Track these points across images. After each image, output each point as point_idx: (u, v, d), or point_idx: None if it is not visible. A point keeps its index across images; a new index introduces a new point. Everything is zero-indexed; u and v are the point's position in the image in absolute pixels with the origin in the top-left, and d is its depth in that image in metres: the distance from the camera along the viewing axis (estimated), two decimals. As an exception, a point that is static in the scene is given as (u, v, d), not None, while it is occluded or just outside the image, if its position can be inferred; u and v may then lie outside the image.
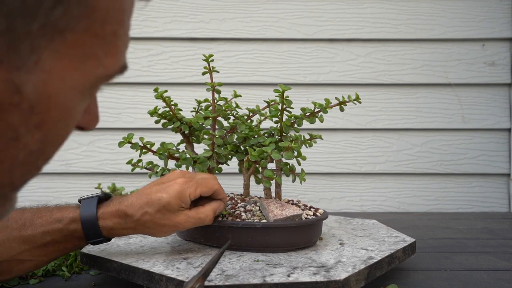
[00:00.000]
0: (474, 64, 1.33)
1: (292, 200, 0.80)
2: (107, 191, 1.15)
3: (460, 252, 0.88)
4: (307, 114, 0.77)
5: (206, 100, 0.79)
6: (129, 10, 0.39)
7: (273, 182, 0.76)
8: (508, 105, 1.33)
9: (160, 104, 0.79)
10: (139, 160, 0.79)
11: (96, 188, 1.16)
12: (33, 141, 0.33)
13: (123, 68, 0.38)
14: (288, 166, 0.75)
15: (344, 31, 1.32)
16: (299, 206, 0.77)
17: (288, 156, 0.70)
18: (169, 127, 0.79)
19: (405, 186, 1.34)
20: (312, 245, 0.74)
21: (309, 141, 0.79)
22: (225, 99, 0.81)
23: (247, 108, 0.81)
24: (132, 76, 1.31)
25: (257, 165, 0.74)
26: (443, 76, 1.33)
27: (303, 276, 0.59)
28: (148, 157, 0.80)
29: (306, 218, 0.72)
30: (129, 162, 0.79)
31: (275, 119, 0.76)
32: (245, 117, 0.80)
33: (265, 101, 0.80)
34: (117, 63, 0.36)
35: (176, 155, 0.76)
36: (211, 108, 0.79)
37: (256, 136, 0.77)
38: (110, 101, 1.31)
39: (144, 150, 0.77)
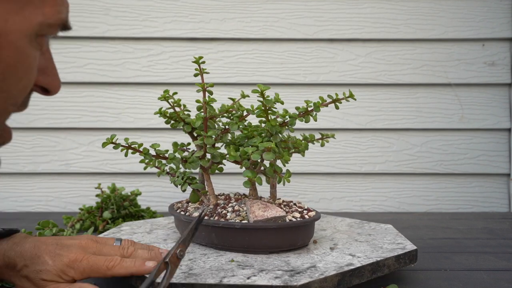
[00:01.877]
0: (474, 64, 1.33)
1: (292, 201, 0.80)
2: (107, 191, 1.15)
3: (460, 252, 0.88)
4: (300, 113, 0.76)
5: (197, 101, 0.80)
6: None
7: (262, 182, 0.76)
8: (508, 105, 1.33)
9: (165, 105, 0.80)
10: (151, 160, 0.79)
11: (96, 188, 1.16)
12: None
13: (65, 24, 0.45)
14: (272, 167, 0.74)
15: (344, 31, 1.32)
16: (290, 207, 0.76)
17: (268, 157, 0.69)
18: (179, 127, 0.81)
19: (405, 186, 1.34)
20: (300, 248, 0.73)
21: (320, 140, 0.79)
22: (233, 99, 0.81)
23: (239, 108, 0.81)
24: (132, 76, 1.31)
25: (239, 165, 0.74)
26: (443, 76, 1.33)
27: (262, 280, 0.58)
28: (138, 160, 0.80)
29: (290, 220, 0.71)
30: (142, 161, 0.79)
31: (259, 119, 0.76)
32: (237, 117, 0.80)
33: (229, 98, 0.80)
34: (57, 13, 0.43)
35: (164, 154, 0.78)
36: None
37: (250, 137, 0.78)
38: (110, 101, 1.31)
39: (131, 150, 0.77)
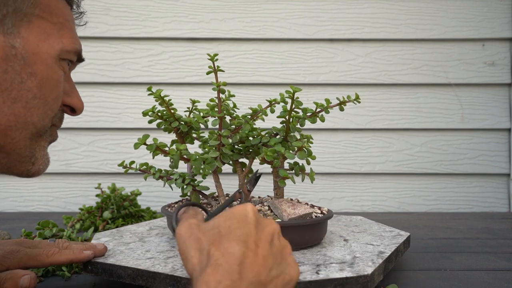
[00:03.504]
0: (474, 64, 1.33)
1: (297, 199, 0.80)
2: (107, 191, 1.15)
3: (460, 252, 0.88)
4: (309, 114, 0.77)
5: (212, 100, 0.79)
6: (69, 16, 0.60)
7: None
8: (508, 105, 1.33)
9: (152, 103, 0.78)
10: (132, 162, 0.78)
11: (96, 188, 1.16)
12: (34, 85, 0.54)
13: (79, 54, 0.62)
14: (298, 166, 0.76)
15: (344, 31, 1.32)
16: (303, 205, 0.77)
17: (301, 156, 0.71)
18: (162, 127, 0.79)
19: (405, 186, 1.34)
20: (318, 244, 0.74)
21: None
22: (232, 96, 0.81)
23: (250, 108, 0.81)
24: (132, 76, 1.31)
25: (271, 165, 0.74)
26: (443, 76, 1.33)
27: (332, 273, 0.59)
28: (142, 159, 0.80)
29: (315, 216, 0.73)
30: (121, 165, 0.78)
31: (281, 119, 0.76)
32: (249, 117, 0.79)
33: (267, 100, 0.80)
34: (72, 44, 0.58)
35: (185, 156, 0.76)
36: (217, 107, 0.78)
37: (256, 136, 0.77)
38: (110, 101, 1.31)
39: (156, 151, 0.76)
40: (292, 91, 0.72)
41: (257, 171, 0.69)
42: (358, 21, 1.32)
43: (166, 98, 0.78)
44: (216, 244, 0.44)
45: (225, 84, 0.77)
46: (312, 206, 0.77)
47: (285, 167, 0.77)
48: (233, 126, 0.78)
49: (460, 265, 0.80)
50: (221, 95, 0.77)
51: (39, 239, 0.69)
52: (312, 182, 0.75)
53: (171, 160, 0.76)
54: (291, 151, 0.72)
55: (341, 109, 0.78)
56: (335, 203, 1.34)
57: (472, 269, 0.78)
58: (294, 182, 0.73)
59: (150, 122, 0.79)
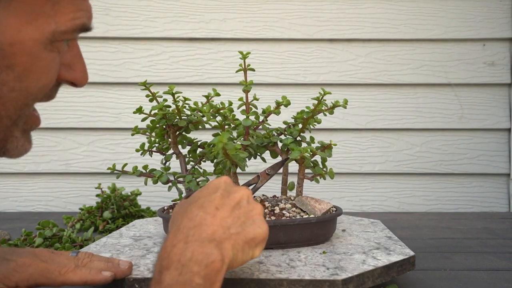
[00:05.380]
0: (474, 64, 1.33)
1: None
2: (107, 191, 1.15)
3: (460, 252, 0.88)
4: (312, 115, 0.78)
5: (240, 99, 0.79)
6: None
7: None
8: (508, 105, 1.33)
9: (146, 102, 0.79)
10: (125, 165, 0.78)
11: (96, 188, 1.16)
12: (11, 78, 0.45)
13: (83, 28, 0.50)
14: (318, 165, 0.78)
15: (344, 31, 1.32)
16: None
17: (329, 154, 0.74)
18: (157, 125, 0.80)
19: (405, 186, 1.34)
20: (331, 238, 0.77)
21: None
22: (255, 98, 0.81)
23: (262, 109, 0.81)
24: (132, 76, 1.31)
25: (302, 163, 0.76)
26: (443, 76, 1.33)
27: (387, 257, 0.65)
28: (142, 159, 0.80)
29: (333, 211, 0.76)
30: (110, 169, 0.78)
31: (284, 119, 0.78)
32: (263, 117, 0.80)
33: (276, 101, 0.80)
34: (70, 21, 0.46)
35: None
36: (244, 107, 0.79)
37: (267, 136, 0.78)
38: (110, 101, 1.31)
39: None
40: (323, 92, 0.75)
41: (285, 159, 0.74)
42: (358, 21, 1.32)
43: (176, 96, 0.78)
44: (182, 212, 0.51)
45: (252, 82, 0.77)
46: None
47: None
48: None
49: (460, 265, 0.80)
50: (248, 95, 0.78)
51: (62, 251, 0.61)
52: (332, 178, 0.79)
53: (214, 157, 0.75)
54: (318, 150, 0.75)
55: (331, 113, 0.79)
56: (335, 203, 1.34)
57: (472, 269, 0.78)
58: (325, 178, 0.77)
59: (143, 120, 0.80)
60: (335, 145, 0.76)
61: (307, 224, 0.71)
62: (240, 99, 0.78)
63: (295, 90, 1.33)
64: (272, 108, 0.79)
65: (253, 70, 0.79)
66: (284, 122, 0.81)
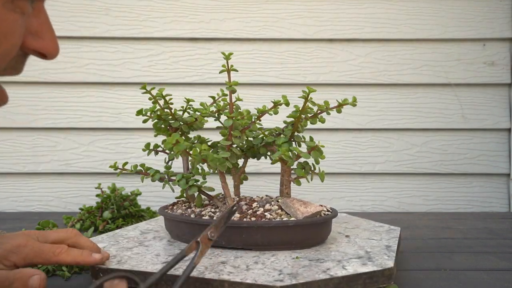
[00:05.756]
0: (474, 64, 1.33)
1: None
2: (107, 191, 1.15)
3: (460, 252, 0.88)
4: (310, 115, 0.77)
5: (223, 100, 0.79)
6: None
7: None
8: (508, 105, 1.33)
9: (148, 103, 0.79)
10: (125, 163, 0.78)
11: (96, 188, 1.16)
12: None
13: None
14: (308, 166, 0.76)
15: (344, 31, 1.32)
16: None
17: (315, 155, 0.72)
18: (160, 126, 0.80)
19: (405, 186, 1.34)
20: (324, 242, 0.75)
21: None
22: (238, 98, 0.81)
23: (256, 108, 0.81)
24: (132, 76, 1.31)
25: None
26: (443, 76, 1.33)
27: (358, 267, 0.61)
28: (142, 159, 0.80)
29: (324, 214, 0.74)
30: (112, 167, 0.78)
31: (290, 119, 0.77)
32: (255, 117, 0.79)
33: (272, 101, 0.79)
34: None
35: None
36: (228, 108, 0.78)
37: (258, 136, 0.78)
38: (110, 101, 1.31)
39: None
40: (307, 91, 0.73)
41: (233, 205, 0.63)
42: (358, 21, 1.32)
43: (167, 98, 0.78)
44: None
45: (237, 83, 0.77)
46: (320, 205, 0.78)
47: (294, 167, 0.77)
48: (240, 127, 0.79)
49: (460, 265, 0.80)
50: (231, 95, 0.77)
51: (50, 230, 0.65)
52: (322, 181, 0.76)
53: (190, 162, 0.76)
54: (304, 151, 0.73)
55: (339, 111, 0.78)
56: (335, 203, 1.34)
57: (472, 269, 0.78)
58: (309, 181, 0.75)
59: (144, 121, 0.80)
60: (323, 146, 0.74)
61: (285, 227, 0.69)
62: (224, 99, 0.79)
63: (295, 90, 1.33)
64: (268, 108, 0.79)
65: (236, 70, 0.79)
66: (284, 122, 0.81)
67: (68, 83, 1.30)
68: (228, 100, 0.77)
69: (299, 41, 1.33)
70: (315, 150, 0.72)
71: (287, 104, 0.77)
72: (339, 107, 0.77)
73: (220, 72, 0.79)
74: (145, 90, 0.78)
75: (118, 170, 0.78)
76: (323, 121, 0.78)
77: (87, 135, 1.32)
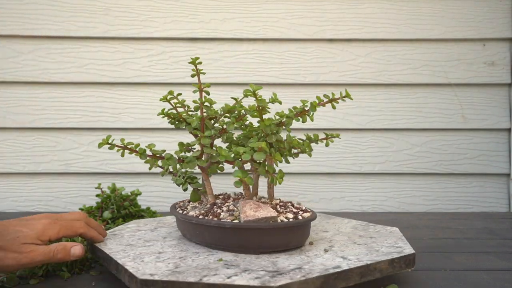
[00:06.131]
0: (474, 64, 1.33)
1: (290, 201, 0.80)
2: (107, 191, 1.15)
3: (460, 252, 0.88)
4: (297, 113, 0.76)
5: (194, 101, 0.81)
6: None
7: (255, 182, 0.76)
8: (508, 105, 1.33)
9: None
10: (149, 160, 0.81)
11: (96, 188, 1.16)
12: None
13: None
14: (264, 167, 0.74)
15: (344, 31, 1.32)
16: (286, 208, 0.76)
17: (258, 157, 0.70)
18: (182, 127, 0.82)
19: (405, 186, 1.34)
20: (293, 249, 0.72)
21: (325, 140, 0.82)
22: (236, 99, 0.83)
23: (225, 104, 0.82)
24: (132, 76, 1.31)
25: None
26: (443, 76, 1.33)
27: (241, 280, 0.58)
28: (139, 160, 0.80)
29: (282, 221, 0.71)
30: (147, 162, 0.81)
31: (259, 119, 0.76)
32: (236, 118, 0.80)
33: (232, 97, 0.81)
34: None
35: (161, 154, 0.79)
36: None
37: (249, 137, 0.78)
38: (110, 101, 1.31)
39: (126, 151, 0.79)
40: (252, 90, 0.73)
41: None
42: (358, 21, 1.32)
43: (173, 101, 0.81)
44: None
45: (208, 85, 0.79)
46: (303, 210, 0.76)
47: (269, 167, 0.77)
48: (219, 126, 0.81)
49: (460, 265, 0.80)
50: (204, 95, 0.80)
51: (62, 213, 0.76)
52: (275, 185, 0.74)
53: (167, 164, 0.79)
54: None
55: (333, 107, 0.78)
56: (335, 203, 1.34)
57: (472, 269, 0.78)
58: (252, 184, 0.72)
59: (171, 123, 0.82)
60: (266, 147, 0.73)
61: (221, 228, 0.70)
62: (194, 101, 0.80)
63: (295, 90, 1.33)
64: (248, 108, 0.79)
65: (204, 73, 0.82)
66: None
67: (68, 83, 1.30)
68: (198, 101, 0.80)
69: (299, 41, 1.33)
70: (259, 152, 0.70)
71: (275, 101, 0.77)
72: (331, 102, 0.76)
73: (192, 76, 0.81)
74: (165, 100, 0.80)
75: (110, 146, 0.79)
76: (312, 119, 0.76)
77: (87, 135, 1.32)
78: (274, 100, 0.77)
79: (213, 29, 1.31)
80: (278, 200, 0.80)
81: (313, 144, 0.83)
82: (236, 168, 0.73)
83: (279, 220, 0.71)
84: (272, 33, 1.32)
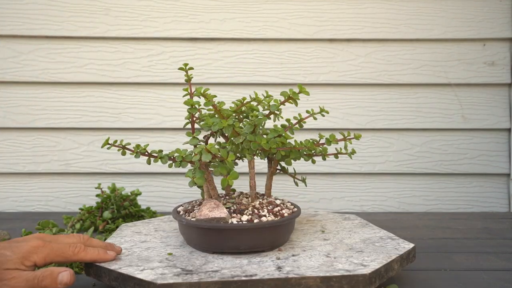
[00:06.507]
0: (474, 64, 1.33)
1: (283, 200, 0.82)
2: (107, 191, 1.15)
3: (460, 252, 0.88)
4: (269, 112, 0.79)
5: (185, 103, 0.81)
6: None
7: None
8: (508, 105, 1.33)
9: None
10: (146, 145, 0.83)
11: (96, 188, 1.16)
12: None
13: None
14: (222, 168, 0.76)
15: (344, 31, 1.32)
16: (268, 206, 0.76)
17: (205, 158, 0.71)
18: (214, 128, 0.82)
19: (405, 186, 1.34)
20: (251, 252, 0.71)
21: (343, 141, 0.85)
22: (241, 101, 0.82)
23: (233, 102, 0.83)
24: (132, 76, 1.31)
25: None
26: (443, 76, 1.33)
27: (142, 274, 0.62)
28: (140, 160, 0.80)
29: (232, 223, 0.71)
30: (104, 144, 0.81)
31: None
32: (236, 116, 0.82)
33: (238, 100, 0.82)
34: None
35: (155, 154, 0.80)
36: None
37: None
38: (110, 101, 1.31)
39: (124, 151, 0.80)
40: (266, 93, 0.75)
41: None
42: (358, 21, 1.32)
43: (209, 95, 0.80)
44: None
45: (208, 89, 0.79)
46: (292, 210, 0.77)
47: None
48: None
49: (460, 265, 0.80)
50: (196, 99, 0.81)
51: (59, 234, 0.70)
52: (231, 185, 0.76)
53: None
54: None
55: (314, 118, 0.79)
56: (335, 203, 1.34)
57: (472, 269, 0.78)
58: (201, 184, 0.73)
59: (202, 125, 0.81)
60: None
61: (181, 225, 0.75)
62: (185, 102, 0.80)
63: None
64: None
65: (191, 78, 0.83)
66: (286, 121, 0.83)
67: (68, 83, 1.30)
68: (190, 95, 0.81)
69: (299, 41, 1.33)
70: (206, 153, 0.70)
71: (260, 101, 0.78)
72: (312, 115, 0.79)
73: (186, 81, 0.82)
74: (190, 106, 0.80)
75: (108, 146, 0.80)
76: (301, 126, 0.79)
77: (87, 135, 1.32)
78: (301, 91, 0.80)
79: (213, 29, 1.31)
80: (273, 197, 0.82)
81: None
82: (190, 167, 0.75)
83: (229, 222, 0.71)
84: (272, 33, 1.32)
